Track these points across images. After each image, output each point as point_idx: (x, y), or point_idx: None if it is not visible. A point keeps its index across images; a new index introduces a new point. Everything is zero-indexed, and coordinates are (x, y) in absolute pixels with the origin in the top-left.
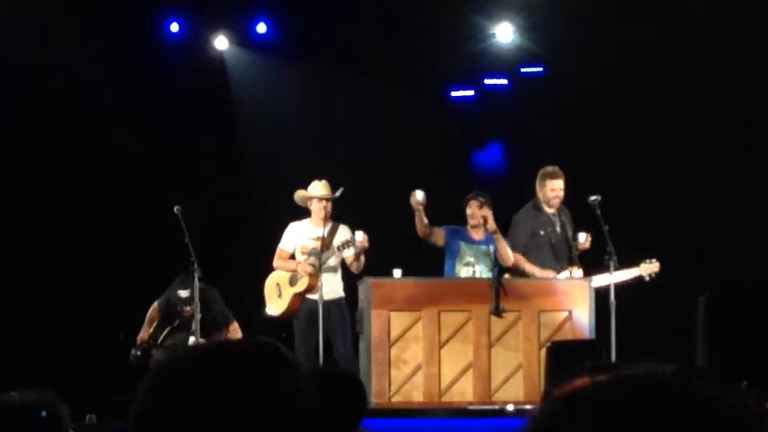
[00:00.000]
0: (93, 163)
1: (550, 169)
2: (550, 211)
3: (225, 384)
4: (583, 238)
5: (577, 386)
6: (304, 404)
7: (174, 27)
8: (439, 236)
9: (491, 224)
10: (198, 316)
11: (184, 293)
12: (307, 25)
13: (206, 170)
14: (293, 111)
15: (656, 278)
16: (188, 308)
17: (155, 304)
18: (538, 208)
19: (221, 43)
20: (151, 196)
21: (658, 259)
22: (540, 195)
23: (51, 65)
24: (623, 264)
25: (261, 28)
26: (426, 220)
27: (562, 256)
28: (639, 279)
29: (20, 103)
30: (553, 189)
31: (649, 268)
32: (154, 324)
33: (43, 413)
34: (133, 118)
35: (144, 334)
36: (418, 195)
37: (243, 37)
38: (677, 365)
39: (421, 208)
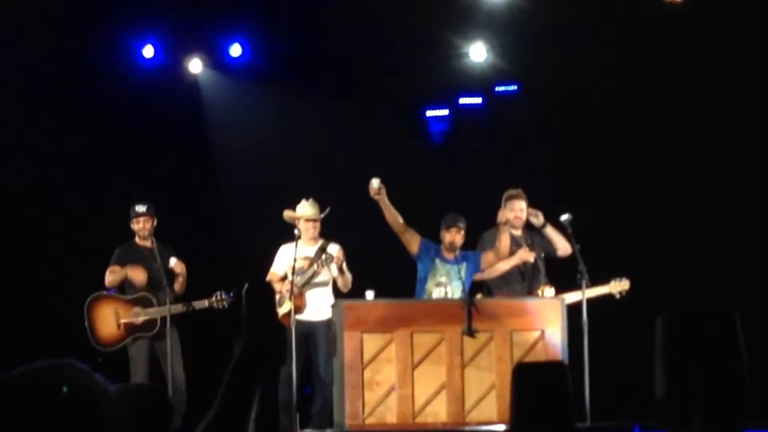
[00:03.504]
0: (66, 190)
1: (512, 191)
2: (516, 233)
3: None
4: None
5: None
6: (112, 420)
7: (147, 51)
8: (413, 240)
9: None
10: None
11: (141, 207)
12: (281, 48)
13: (182, 194)
14: (269, 132)
15: (627, 296)
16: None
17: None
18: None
19: (195, 66)
20: (127, 223)
21: (628, 277)
22: (505, 217)
23: (23, 89)
24: (594, 282)
25: (235, 50)
26: (396, 213)
27: (530, 276)
28: (609, 296)
29: None
30: (513, 209)
31: (618, 285)
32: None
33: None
34: (107, 142)
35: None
36: (374, 182)
37: (217, 59)
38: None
39: (380, 196)
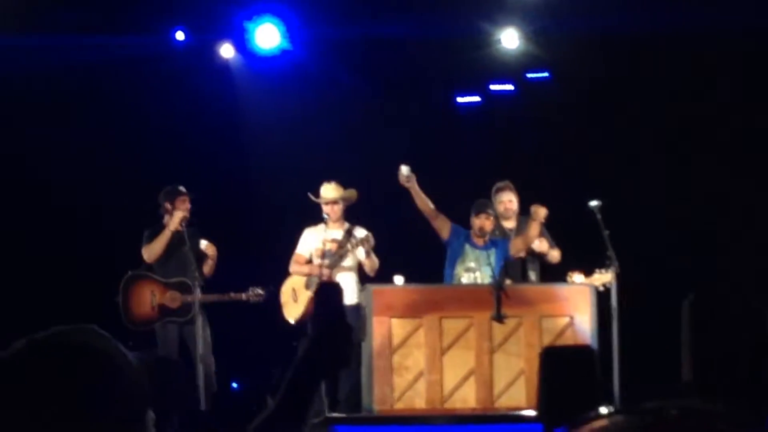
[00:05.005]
0: (97, 172)
1: (500, 183)
2: (507, 225)
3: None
4: (536, 244)
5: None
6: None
7: (179, 35)
8: (444, 226)
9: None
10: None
11: (183, 188)
12: (312, 33)
13: (214, 178)
14: (300, 118)
15: (609, 288)
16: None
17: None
18: None
19: (227, 51)
20: (154, 206)
21: (615, 269)
22: (496, 209)
23: (57, 74)
24: (584, 272)
25: (267, 35)
26: (426, 199)
27: (515, 267)
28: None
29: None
30: (500, 202)
31: (601, 278)
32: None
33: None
34: (139, 128)
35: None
36: (403, 170)
37: (248, 44)
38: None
39: (411, 183)
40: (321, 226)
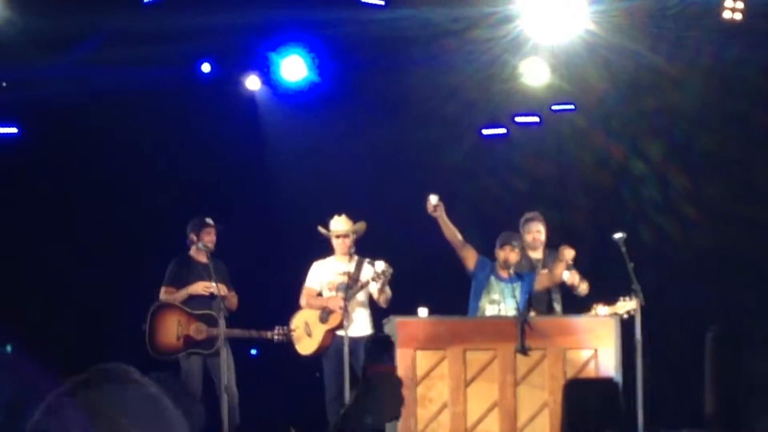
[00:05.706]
0: (122, 204)
1: (529, 214)
2: (535, 255)
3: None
4: (567, 276)
5: None
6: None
7: (205, 67)
8: (471, 257)
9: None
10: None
11: (210, 219)
12: (337, 66)
13: (237, 209)
14: (326, 149)
15: (633, 316)
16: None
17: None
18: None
19: (253, 83)
20: (179, 237)
21: (637, 297)
22: (524, 239)
23: (85, 104)
24: (608, 301)
25: (293, 67)
26: (454, 229)
27: (541, 298)
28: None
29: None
30: (529, 232)
31: (624, 305)
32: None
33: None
34: (164, 160)
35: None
36: (432, 199)
37: (275, 76)
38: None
39: (439, 213)
40: (330, 259)
